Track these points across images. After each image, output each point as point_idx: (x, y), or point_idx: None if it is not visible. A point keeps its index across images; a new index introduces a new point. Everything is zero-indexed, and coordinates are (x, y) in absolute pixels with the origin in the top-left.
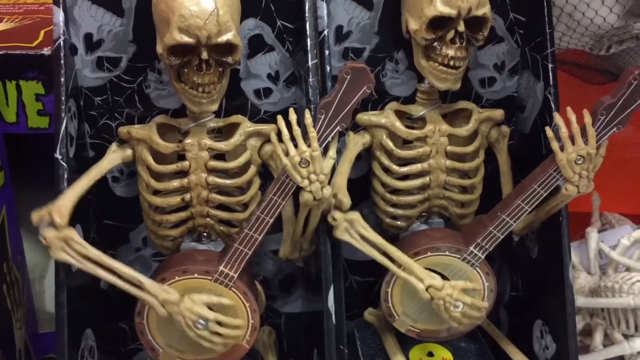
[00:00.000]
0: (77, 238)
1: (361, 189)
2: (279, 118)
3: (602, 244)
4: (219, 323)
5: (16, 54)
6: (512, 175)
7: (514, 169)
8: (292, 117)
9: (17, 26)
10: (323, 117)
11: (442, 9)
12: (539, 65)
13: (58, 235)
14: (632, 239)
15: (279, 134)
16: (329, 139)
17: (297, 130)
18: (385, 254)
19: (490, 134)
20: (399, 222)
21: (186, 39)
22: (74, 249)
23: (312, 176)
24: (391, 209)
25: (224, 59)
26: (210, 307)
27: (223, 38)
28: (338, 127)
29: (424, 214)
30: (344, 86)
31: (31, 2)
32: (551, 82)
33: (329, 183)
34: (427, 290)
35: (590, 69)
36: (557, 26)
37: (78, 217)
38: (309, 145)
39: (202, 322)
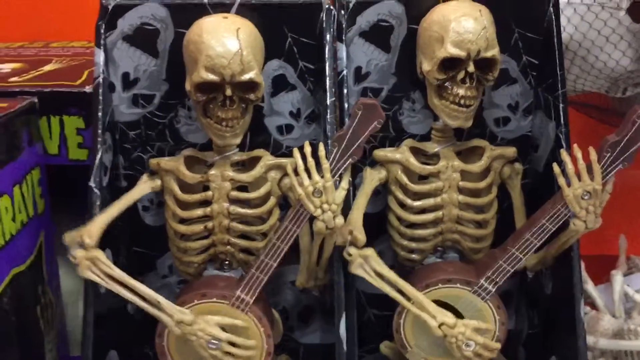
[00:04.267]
0: (103, 259)
1: (379, 224)
2: (295, 150)
3: (627, 287)
4: (232, 344)
5: (61, 91)
6: (525, 212)
7: (529, 206)
8: (307, 149)
9: (64, 66)
10: (336, 149)
11: (452, 50)
12: (550, 106)
13: (86, 255)
14: None
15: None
16: (342, 170)
17: (311, 162)
18: (399, 289)
19: (503, 170)
20: (413, 256)
21: (212, 77)
22: (100, 268)
23: (325, 206)
24: (406, 242)
25: (247, 96)
26: (224, 329)
27: (246, 76)
28: (350, 160)
29: (439, 248)
30: (356, 121)
31: (79, 45)
32: (562, 122)
33: (345, 215)
34: (439, 327)
35: (608, 112)
36: (571, 69)
37: (108, 242)
38: (322, 177)
39: (215, 342)
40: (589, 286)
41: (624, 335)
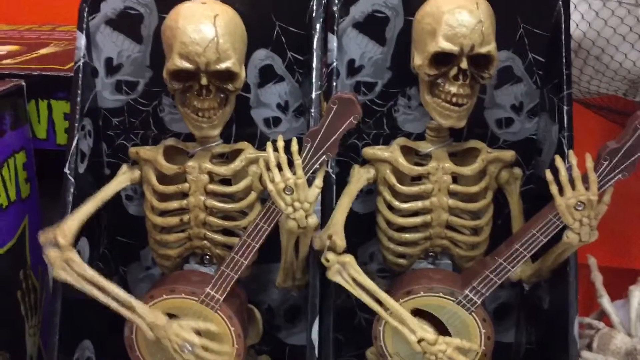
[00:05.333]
0: (77, 259)
1: (371, 225)
2: (268, 144)
3: None
4: (206, 348)
5: (49, 75)
6: (524, 220)
7: (532, 214)
8: (280, 144)
9: (59, 50)
10: (309, 145)
11: (444, 45)
12: (555, 108)
13: (60, 256)
14: None
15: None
16: (316, 167)
17: (283, 157)
18: (378, 300)
19: (500, 175)
20: (401, 260)
21: (186, 64)
22: (74, 269)
23: (297, 204)
24: (393, 246)
25: (225, 86)
26: (198, 332)
27: (222, 65)
28: (324, 157)
29: (430, 253)
30: (331, 116)
31: None
32: (565, 125)
33: (327, 215)
34: (419, 343)
35: (629, 115)
36: (585, 69)
37: (85, 231)
38: (294, 173)
39: (189, 347)
40: (605, 300)
41: (635, 356)
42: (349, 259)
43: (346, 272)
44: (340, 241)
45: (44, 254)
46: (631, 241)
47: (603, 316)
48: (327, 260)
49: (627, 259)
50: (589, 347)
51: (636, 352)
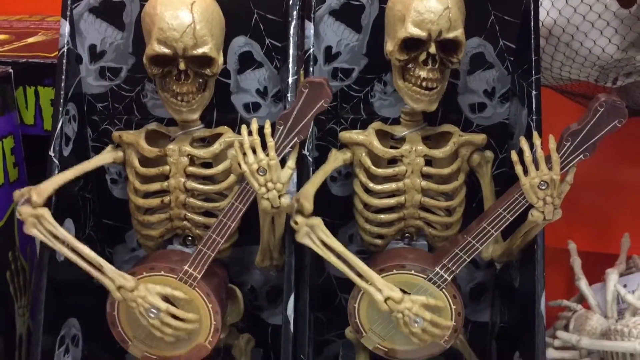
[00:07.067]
0: (48, 217)
1: (350, 208)
2: (243, 127)
3: (618, 285)
4: (174, 316)
5: (35, 62)
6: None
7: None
8: (254, 126)
9: (46, 39)
10: (282, 127)
11: (412, 30)
12: (524, 92)
13: (32, 212)
14: None
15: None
16: (288, 149)
17: (256, 140)
18: (347, 263)
19: (471, 158)
20: (377, 241)
21: (164, 50)
22: (45, 227)
23: (270, 184)
24: (369, 227)
25: (203, 71)
26: (171, 300)
27: (199, 51)
28: (296, 139)
29: (406, 235)
30: (302, 99)
31: None
32: (534, 109)
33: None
34: (385, 302)
35: None
36: (556, 55)
37: (69, 211)
38: (267, 155)
39: (154, 311)
40: (582, 283)
41: (610, 336)
42: (317, 221)
43: (315, 234)
44: (308, 204)
45: (17, 210)
46: (611, 227)
47: (583, 300)
48: (296, 223)
49: (606, 244)
50: (566, 328)
51: (611, 332)
